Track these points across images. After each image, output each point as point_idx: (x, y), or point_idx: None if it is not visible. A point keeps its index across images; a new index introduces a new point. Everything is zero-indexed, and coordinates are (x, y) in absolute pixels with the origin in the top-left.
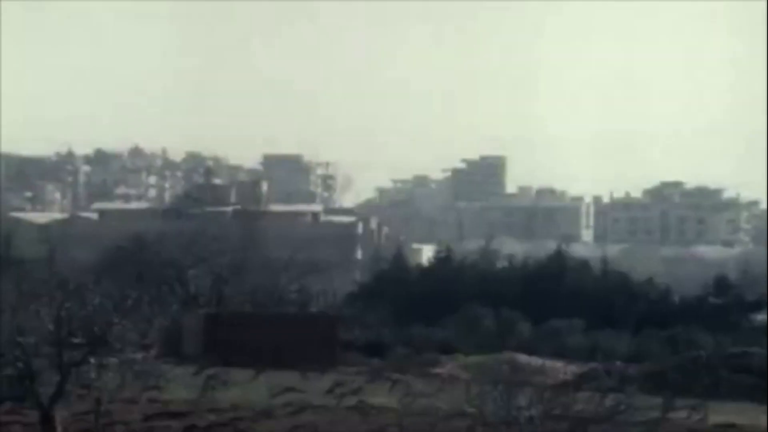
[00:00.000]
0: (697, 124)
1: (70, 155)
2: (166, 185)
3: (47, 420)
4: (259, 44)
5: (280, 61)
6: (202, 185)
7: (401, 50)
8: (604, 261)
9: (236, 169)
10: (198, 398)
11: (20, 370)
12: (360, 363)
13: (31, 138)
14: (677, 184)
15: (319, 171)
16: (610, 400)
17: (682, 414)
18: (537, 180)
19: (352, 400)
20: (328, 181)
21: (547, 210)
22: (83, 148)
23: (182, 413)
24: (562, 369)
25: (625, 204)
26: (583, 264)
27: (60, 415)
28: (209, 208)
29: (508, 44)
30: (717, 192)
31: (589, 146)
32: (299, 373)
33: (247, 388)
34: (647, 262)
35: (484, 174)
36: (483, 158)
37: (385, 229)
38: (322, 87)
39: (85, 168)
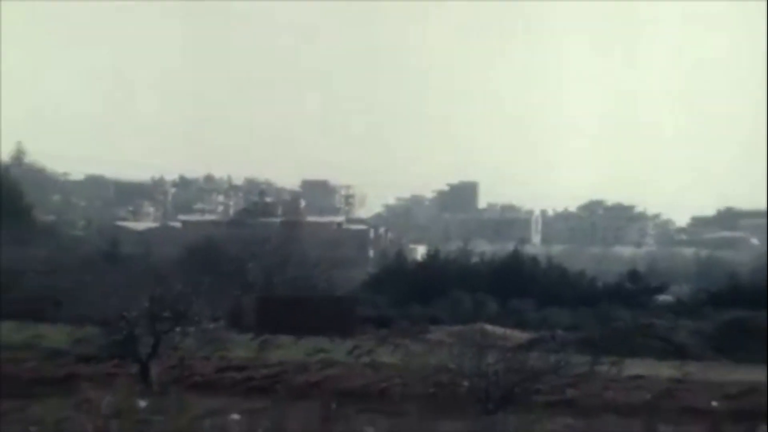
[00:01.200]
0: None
1: (161, 180)
2: (230, 203)
3: (145, 372)
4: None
5: (313, 103)
6: (257, 202)
7: (397, 93)
8: (549, 258)
9: (281, 190)
10: (254, 357)
11: (125, 336)
12: (372, 332)
13: (132, 165)
14: (601, 202)
15: (342, 191)
16: (553, 359)
17: (605, 368)
18: (500, 198)
19: (366, 359)
20: (348, 199)
21: (508, 220)
22: (170, 174)
23: (243, 367)
24: (519, 336)
25: (564, 216)
26: (534, 260)
27: (154, 368)
28: (262, 219)
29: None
30: (630, 207)
31: (537, 174)
32: (327, 338)
33: (289, 349)
34: (580, 258)
35: (462, 194)
36: (462, 182)
37: (390, 234)
38: (343, 122)
39: (172, 190)
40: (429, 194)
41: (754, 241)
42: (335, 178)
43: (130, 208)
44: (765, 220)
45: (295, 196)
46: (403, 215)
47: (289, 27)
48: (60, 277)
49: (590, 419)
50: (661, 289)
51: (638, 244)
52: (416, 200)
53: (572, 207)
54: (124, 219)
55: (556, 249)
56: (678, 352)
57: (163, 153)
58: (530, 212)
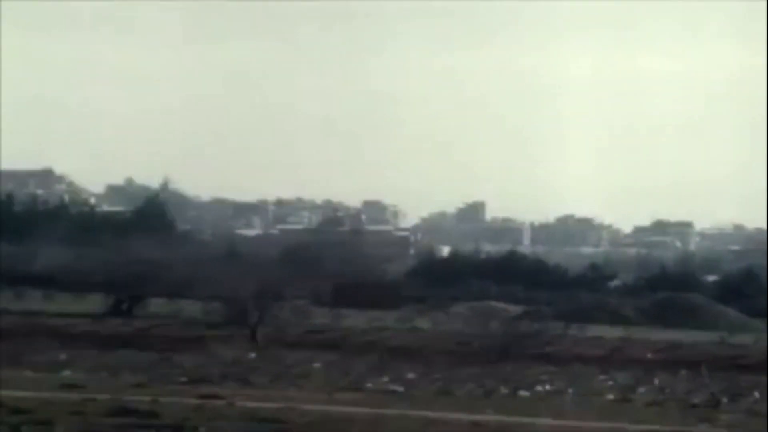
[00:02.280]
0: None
1: (265, 201)
2: (314, 217)
3: (253, 334)
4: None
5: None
6: (333, 216)
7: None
8: (535, 255)
9: (349, 207)
10: (329, 323)
11: (240, 309)
12: (411, 306)
13: (245, 189)
14: (572, 215)
15: (390, 208)
16: (537, 325)
17: (572, 331)
18: (501, 213)
19: (407, 325)
20: (395, 214)
21: (506, 229)
22: (271, 196)
23: (321, 331)
24: (514, 309)
25: (546, 225)
26: (524, 256)
27: (259, 331)
28: (336, 229)
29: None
30: (590, 219)
31: (527, 196)
32: (381, 310)
33: (354, 318)
34: (556, 255)
35: (474, 210)
36: (474, 202)
37: (424, 239)
38: (390, 155)
39: (272, 207)
40: (451, 210)
41: (678, 244)
42: (386, 198)
43: (244, 221)
44: (686, 230)
45: (358, 212)
46: (433, 225)
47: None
48: (193, 269)
49: (563, 367)
50: (612, 277)
51: (596, 246)
52: (442, 215)
53: (551, 219)
54: (239, 228)
55: (540, 249)
56: (624, 320)
57: (264, 180)
58: (522, 223)
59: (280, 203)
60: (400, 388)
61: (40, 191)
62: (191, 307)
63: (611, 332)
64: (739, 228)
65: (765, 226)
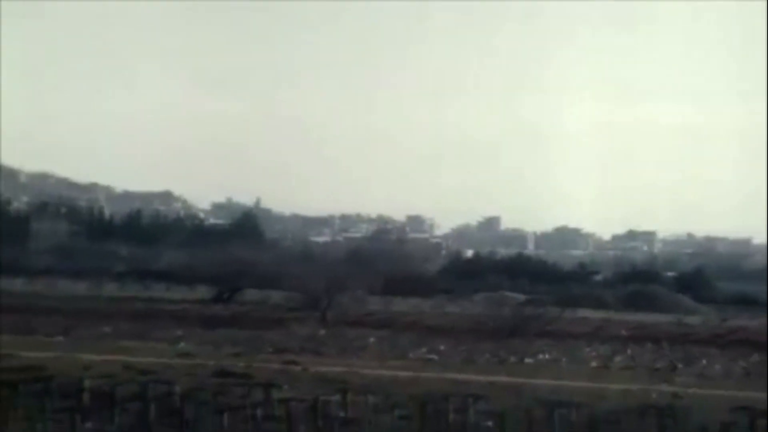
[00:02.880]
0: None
1: (332, 216)
2: (369, 227)
3: (323, 317)
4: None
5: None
6: (383, 227)
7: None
8: (537, 256)
9: (396, 221)
10: (381, 309)
11: (313, 298)
12: (442, 295)
13: (315, 205)
14: (565, 226)
15: (427, 221)
16: (540, 310)
17: (566, 314)
18: (512, 224)
19: (440, 310)
20: (431, 225)
21: (516, 236)
22: (336, 211)
23: (374, 313)
24: (521, 297)
25: (546, 234)
26: (529, 257)
27: (328, 314)
28: (386, 237)
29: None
30: (579, 229)
31: (533, 212)
32: (420, 299)
33: (399, 304)
34: (553, 257)
35: (492, 222)
36: (492, 216)
37: (453, 245)
38: (425, 174)
39: (337, 221)
40: (473, 222)
41: (645, 248)
42: (424, 213)
43: (316, 231)
44: (651, 237)
45: (403, 224)
46: (460, 234)
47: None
48: (278, 267)
49: (558, 341)
50: (596, 273)
51: (584, 249)
52: (467, 226)
53: (550, 229)
54: (313, 236)
55: (541, 252)
56: (604, 305)
57: (332, 199)
58: (527, 232)
59: (343, 217)
60: (435, 357)
61: (162, 208)
62: (276, 296)
63: (595, 315)
64: (691, 236)
65: (709, 235)
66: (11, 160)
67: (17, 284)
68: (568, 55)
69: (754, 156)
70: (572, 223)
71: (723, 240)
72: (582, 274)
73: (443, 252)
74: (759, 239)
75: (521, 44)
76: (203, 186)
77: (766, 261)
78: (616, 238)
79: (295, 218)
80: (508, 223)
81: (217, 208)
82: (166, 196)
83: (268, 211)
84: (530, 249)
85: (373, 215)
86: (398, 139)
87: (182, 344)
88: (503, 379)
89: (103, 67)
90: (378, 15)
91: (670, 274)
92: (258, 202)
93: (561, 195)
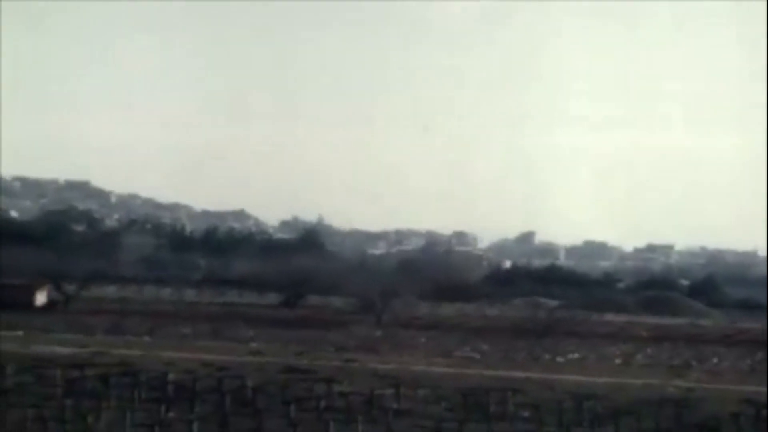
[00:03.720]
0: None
1: (387, 231)
2: (420, 241)
3: (379, 320)
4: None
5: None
6: (432, 241)
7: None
8: (568, 267)
9: (443, 235)
10: (429, 312)
11: (369, 302)
12: (484, 300)
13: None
14: (592, 241)
15: (471, 237)
16: (568, 313)
17: (593, 317)
18: (545, 239)
19: (482, 313)
20: (474, 240)
21: (548, 249)
22: (391, 227)
23: (424, 317)
24: (553, 303)
25: (574, 247)
26: (561, 268)
27: (383, 317)
28: (435, 249)
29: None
30: (605, 243)
31: (562, 231)
32: (465, 303)
33: (447, 308)
34: (582, 267)
35: (527, 238)
36: (528, 231)
37: (494, 256)
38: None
39: (392, 235)
40: (511, 237)
41: (662, 259)
42: (468, 229)
43: (372, 244)
44: (668, 250)
45: (449, 238)
46: (500, 247)
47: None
48: (338, 276)
49: (586, 341)
50: (619, 281)
51: (609, 260)
52: (506, 240)
53: (580, 242)
54: (370, 249)
55: (571, 262)
56: (626, 310)
57: (387, 216)
58: (559, 245)
59: (397, 232)
60: (477, 355)
61: (236, 225)
62: (336, 301)
63: (618, 318)
64: (703, 249)
65: (719, 248)
66: (103, 183)
67: (109, 291)
68: (594, 85)
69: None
70: (599, 238)
71: (731, 252)
72: (607, 282)
73: (484, 263)
74: (763, 251)
75: (550, 75)
76: (272, 205)
77: (766, 271)
78: (637, 250)
79: (354, 233)
80: (541, 237)
81: (284, 224)
82: (240, 215)
83: (329, 227)
84: (561, 260)
85: (423, 230)
86: (447, 164)
87: (253, 344)
88: (538, 374)
89: (184, 101)
90: (433, 46)
91: (684, 282)
92: (320, 219)
93: (589, 213)
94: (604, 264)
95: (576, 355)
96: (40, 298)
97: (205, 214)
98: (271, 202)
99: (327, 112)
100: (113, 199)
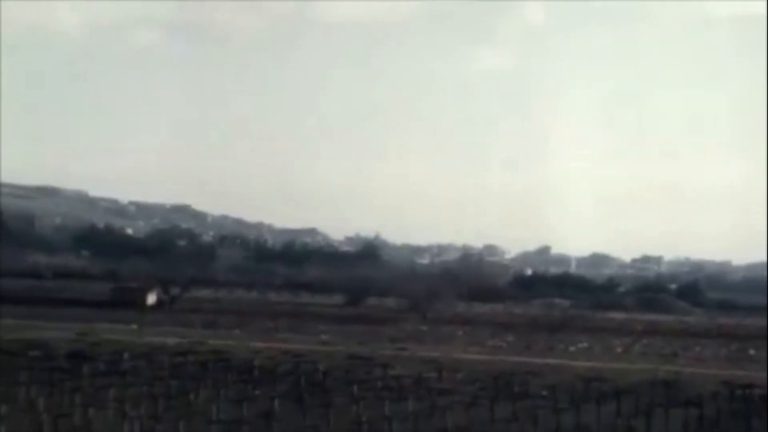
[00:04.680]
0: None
1: (431, 245)
2: (457, 253)
3: (424, 317)
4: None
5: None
6: (467, 253)
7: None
8: (579, 274)
9: (476, 248)
10: (466, 311)
11: (417, 302)
12: (511, 301)
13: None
14: (598, 253)
15: (499, 250)
16: (578, 311)
17: (598, 315)
18: (559, 251)
19: (509, 311)
20: (502, 252)
21: (562, 260)
22: (444, 241)
23: (462, 314)
24: (566, 303)
25: (584, 258)
26: (572, 275)
27: (428, 314)
28: (469, 260)
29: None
30: (608, 254)
31: (573, 245)
32: (494, 303)
33: (480, 308)
34: (590, 274)
35: (544, 250)
36: (544, 245)
37: (518, 265)
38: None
39: (435, 248)
40: (532, 249)
41: (655, 267)
42: (497, 243)
43: (419, 255)
44: (659, 260)
45: (481, 251)
46: (522, 258)
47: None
48: (392, 281)
49: (593, 334)
50: (619, 285)
51: (611, 269)
52: (527, 252)
53: (587, 254)
54: (417, 259)
55: (581, 270)
56: (625, 309)
57: (431, 232)
58: (571, 257)
59: (439, 246)
60: (504, 345)
61: (308, 240)
62: (390, 302)
63: (619, 315)
64: (688, 259)
65: (701, 258)
66: (201, 206)
67: (206, 293)
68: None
69: (734, 204)
70: (603, 250)
71: (710, 262)
72: (609, 286)
73: (510, 271)
74: (736, 262)
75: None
76: (338, 223)
77: (742, 277)
78: (634, 260)
79: (404, 246)
80: (556, 250)
81: (348, 239)
82: (312, 231)
83: (384, 242)
84: (572, 269)
85: (460, 244)
86: (479, 191)
87: (323, 336)
88: (554, 361)
89: (268, 131)
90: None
91: (672, 286)
92: (377, 235)
93: (595, 230)
94: (607, 272)
95: (584, 345)
96: (151, 298)
97: (284, 230)
98: (337, 221)
99: (382, 149)
100: (209, 219)
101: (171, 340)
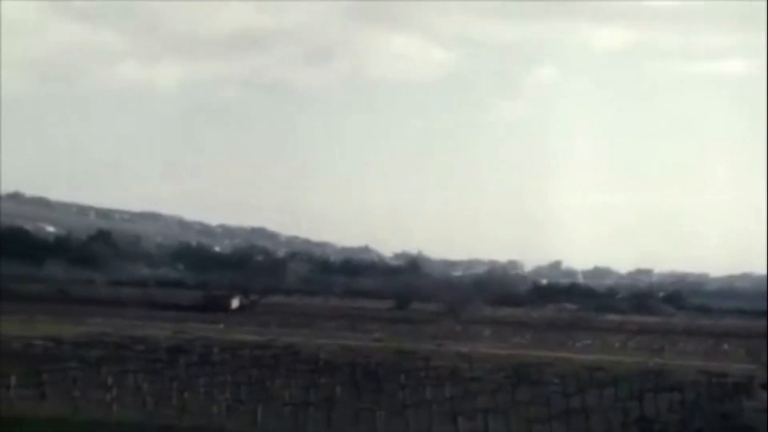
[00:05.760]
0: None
1: (463, 260)
2: (484, 267)
3: (458, 318)
4: None
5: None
6: (493, 267)
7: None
8: (584, 284)
9: (500, 262)
10: (492, 314)
11: (453, 307)
12: (529, 306)
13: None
14: (600, 267)
15: (519, 264)
16: (584, 314)
17: (600, 317)
18: (570, 266)
19: (527, 315)
20: (521, 265)
21: (570, 273)
22: (464, 257)
23: (489, 317)
24: (573, 307)
25: (589, 271)
26: (579, 285)
27: (461, 317)
28: (495, 273)
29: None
30: (609, 267)
31: (581, 258)
32: (516, 308)
33: (504, 311)
34: (593, 285)
35: (557, 265)
36: (556, 260)
37: (534, 277)
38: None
39: (466, 263)
40: (545, 264)
41: (646, 278)
42: (518, 258)
43: (453, 269)
44: (650, 273)
45: (504, 265)
46: (538, 270)
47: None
48: (433, 289)
49: (596, 332)
50: (618, 293)
51: (611, 280)
52: (541, 266)
53: (591, 267)
54: (452, 272)
55: (587, 281)
56: (622, 312)
57: (462, 249)
58: (578, 269)
59: (470, 261)
60: (524, 341)
61: (363, 256)
62: (431, 306)
63: (616, 317)
64: (672, 272)
65: (683, 271)
66: (275, 228)
67: (279, 299)
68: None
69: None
70: (604, 265)
71: (691, 274)
72: (609, 294)
73: (528, 281)
74: (712, 274)
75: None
76: (388, 242)
77: (717, 287)
78: (629, 273)
79: (442, 261)
80: (566, 264)
81: (396, 255)
82: (366, 249)
83: (425, 257)
84: (579, 279)
85: (487, 260)
86: (504, 215)
87: (376, 334)
88: (564, 354)
89: (330, 168)
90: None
91: (660, 294)
92: (420, 252)
93: (598, 249)
94: (607, 282)
95: (588, 342)
96: (234, 303)
97: (344, 249)
98: (387, 240)
99: (423, 182)
100: (282, 239)
101: (251, 338)
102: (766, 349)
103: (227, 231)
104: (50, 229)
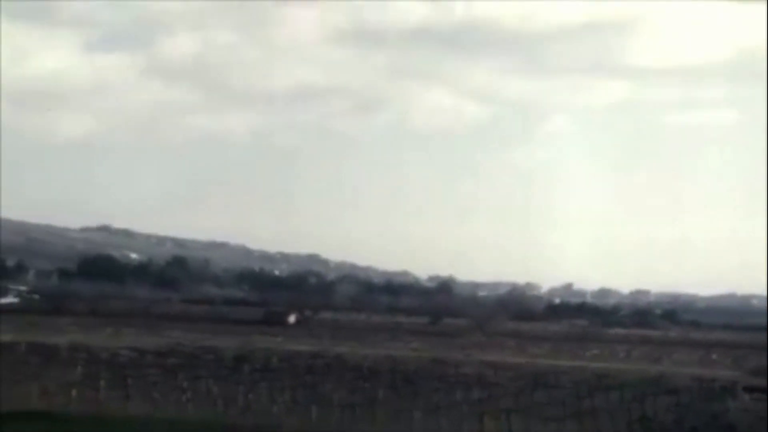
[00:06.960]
0: None
1: (487, 282)
2: (506, 288)
3: (484, 332)
4: None
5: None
6: (513, 288)
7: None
8: (592, 303)
9: (519, 284)
10: (514, 328)
11: (478, 322)
12: (545, 321)
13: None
14: (605, 288)
15: (535, 286)
16: (592, 329)
17: (606, 331)
18: (581, 287)
19: (543, 329)
20: (538, 287)
21: (580, 292)
22: (491, 279)
23: (511, 330)
24: (585, 323)
25: (596, 291)
26: (588, 303)
27: (486, 330)
28: (516, 293)
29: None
30: (612, 288)
31: (589, 281)
32: (534, 323)
33: (524, 325)
34: (600, 303)
35: (568, 287)
36: (567, 282)
37: (549, 297)
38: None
39: (490, 284)
40: (559, 286)
41: (644, 298)
42: (535, 281)
43: (479, 290)
44: (648, 293)
45: (523, 287)
46: (551, 291)
47: None
48: (461, 307)
49: (604, 344)
50: (621, 310)
51: (614, 299)
52: (555, 288)
53: (597, 288)
54: (479, 292)
55: (595, 301)
56: (625, 326)
57: (488, 271)
58: (587, 290)
59: (493, 283)
60: (542, 351)
61: (402, 279)
62: (460, 322)
63: (620, 332)
64: (667, 293)
65: (676, 291)
66: (326, 255)
67: (330, 315)
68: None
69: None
70: (609, 286)
71: (684, 294)
72: (614, 311)
73: (544, 300)
74: (702, 294)
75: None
76: (424, 267)
77: (706, 305)
78: (631, 293)
79: (469, 283)
80: (577, 286)
81: (430, 278)
82: (404, 274)
83: (455, 280)
84: (588, 299)
85: (508, 282)
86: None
87: (413, 344)
88: (576, 363)
89: (376, 203)
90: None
91: (657, 310)
92: (451, 277)
93: (604, 273)
94: (612, 301)
95: (597, 352)
96: (291, 319)
97: (385, 273)
98: (422, 266)
99: (452, 216)
100: (332, 264)
101: (305, 348)
102: (748, 358)
103: (285, 257)
104: (133, 256)
